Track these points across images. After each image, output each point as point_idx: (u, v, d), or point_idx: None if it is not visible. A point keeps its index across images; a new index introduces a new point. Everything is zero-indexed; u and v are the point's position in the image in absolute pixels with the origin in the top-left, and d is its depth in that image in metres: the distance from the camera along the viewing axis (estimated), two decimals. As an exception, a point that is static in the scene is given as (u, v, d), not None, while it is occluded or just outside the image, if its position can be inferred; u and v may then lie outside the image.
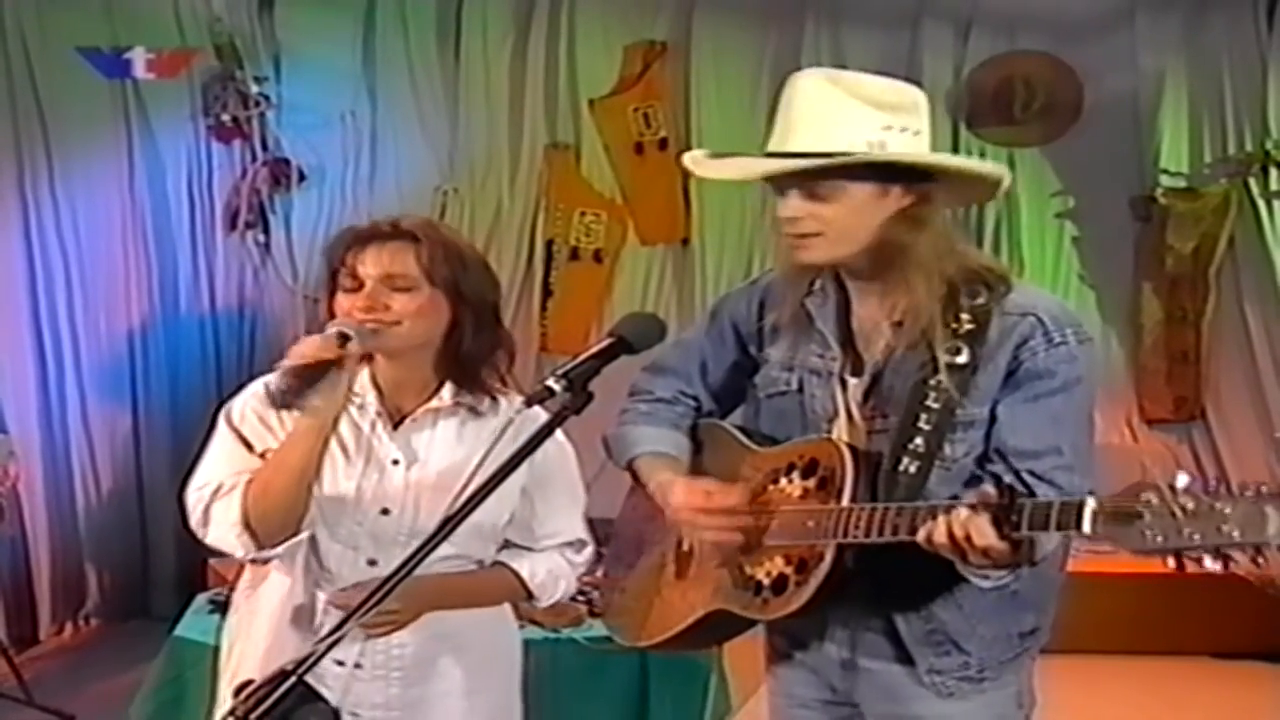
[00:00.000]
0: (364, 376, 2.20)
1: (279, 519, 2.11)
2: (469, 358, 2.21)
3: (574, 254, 6.09)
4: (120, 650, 4.98)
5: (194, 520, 2.17)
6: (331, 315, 2.15)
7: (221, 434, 2.21)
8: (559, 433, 2.27)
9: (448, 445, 2.22)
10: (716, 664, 3.58)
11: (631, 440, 2.31)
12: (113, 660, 4.88)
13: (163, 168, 5.74)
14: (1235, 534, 1.59)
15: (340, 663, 2.16)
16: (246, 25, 5.80)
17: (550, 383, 1.83)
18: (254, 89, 5.79)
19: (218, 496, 2.14)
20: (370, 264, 2.14)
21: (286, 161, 5.91)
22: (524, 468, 2.15)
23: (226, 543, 2.14)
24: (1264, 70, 5.53)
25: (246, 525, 2.11)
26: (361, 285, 2.14)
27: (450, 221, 6.04)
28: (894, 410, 2.05)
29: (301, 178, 5.95)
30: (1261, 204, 5.56)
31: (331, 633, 1.76)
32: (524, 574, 2.29)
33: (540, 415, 1.94)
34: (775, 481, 2.14)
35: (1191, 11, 5.63)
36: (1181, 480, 1.64)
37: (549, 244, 6.09)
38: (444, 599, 2.20)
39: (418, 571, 1.85)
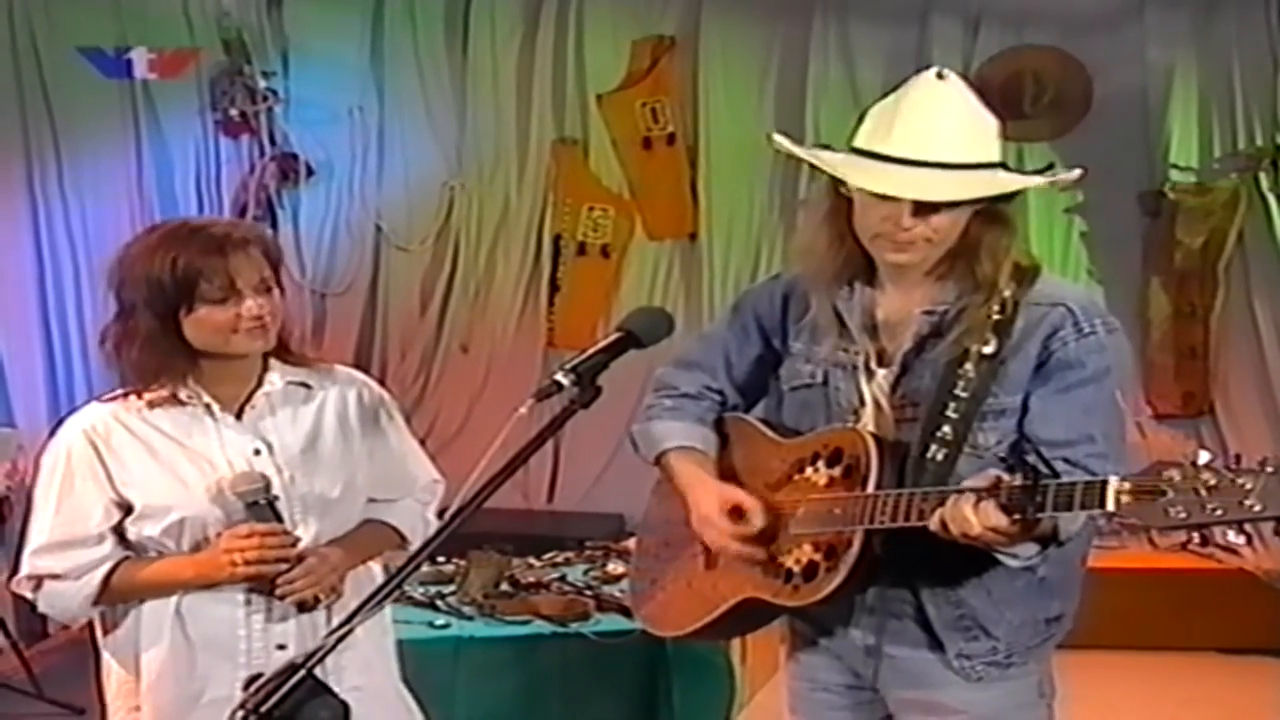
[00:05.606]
0: (190, 383, 2.21)
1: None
2: (285, 337, 2.28)
3: (581, 249, 6.09)
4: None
5: (27, 589, 2.26)
6: (178, 329, 2.16)
7: (51, 486, 2.22)
8: (376, 385, 2.37)
9: (289, 422, 2.27)
10: (727, 657, 3.58)
11: (659, 435, 2.33)
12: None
13: (171, 163, 5.76)
14: (1258, 507, 1.63)
15: (281, 646, 2.20)
16: (254, 20, 5.82)
17: (559, 377, 1.85)
18: (262, 84, 5.81)
19: (62, 580, 2.21)
20: (246, 272, 2.16)
21: (294, 157, 5.93)
22: (359, 429, 2.30)
23: (69, 616, 2.30)
24: (1274, 65, 5.49)
25: (98, 604, 2.23)
26: (234, 294, 2.14)
27: (458, 216, 6.08)
28: (923, 399, 2.07)
29: (310, 173, 5.97)
30: (1271, 199, 5.53)
31: (339, 626, 1.77)
32: (395, 524, 2.37)
33: (349, 373, 2.28)
34: (801, 471, 2.16)
35: (1201, 6, 5.61)
36: (1203, 457, 1.68)
37: (556, 239, 6.09)
38: (352, 559, 2.27)
39: (320, 542, 2.18)
